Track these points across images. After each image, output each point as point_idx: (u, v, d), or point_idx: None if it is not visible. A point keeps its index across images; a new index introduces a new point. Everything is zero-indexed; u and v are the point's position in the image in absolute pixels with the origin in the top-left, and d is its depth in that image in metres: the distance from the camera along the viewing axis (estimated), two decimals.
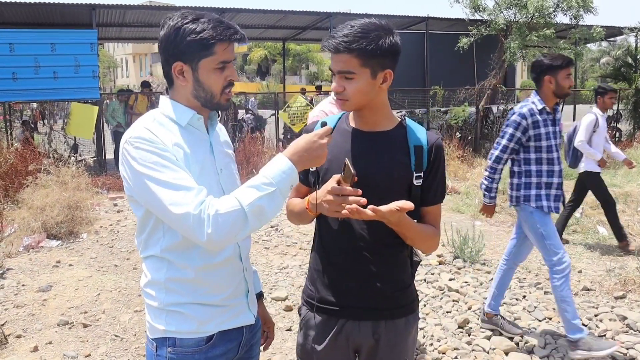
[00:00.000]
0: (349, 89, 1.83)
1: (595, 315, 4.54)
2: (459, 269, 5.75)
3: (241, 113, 15.95)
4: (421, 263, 2.13)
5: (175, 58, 1.73)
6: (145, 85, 18.39)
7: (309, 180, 2.03)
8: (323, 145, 1.71)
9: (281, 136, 15.12)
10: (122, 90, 19.40)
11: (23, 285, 5.43)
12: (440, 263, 5.90)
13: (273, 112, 15.88)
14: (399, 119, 1.99)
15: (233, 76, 1.79)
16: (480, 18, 14.59)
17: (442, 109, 15.25)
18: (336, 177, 1.77)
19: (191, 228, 1.57)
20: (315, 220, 2.05)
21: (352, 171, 1.70)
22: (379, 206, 1.70)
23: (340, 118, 2.05)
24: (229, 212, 1.57)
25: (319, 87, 18.23)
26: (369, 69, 1.81)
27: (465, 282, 5.36)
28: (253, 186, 1.62)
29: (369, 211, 1.68)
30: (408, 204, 1.70)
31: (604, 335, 4.19)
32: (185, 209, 1.57)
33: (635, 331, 4.24)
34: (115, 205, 8.92)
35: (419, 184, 1.91)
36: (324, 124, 1.81)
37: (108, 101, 16.29)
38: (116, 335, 4.43)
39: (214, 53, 1.71)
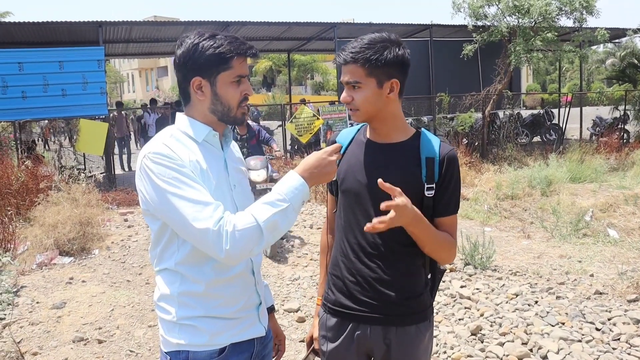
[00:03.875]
0: (357, 99, 1.93)
1: (609, 319, 4.53)
2: (470, 275, 5.75)
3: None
4: None
5: (194, 73, 1.79)
6: (153, 102, 18.64)
7: (331, 189, 2.20)
8: (332, 162, 1.79)
9: (288, 147, 15.19)
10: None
11: (37, 302, 5.47)
12: (451, 270, 5.90)
13: (280, 123, 15.95)
14: (414, 130, 2.05)
15: (248, 90, 1.85)
16: (483, 24, 14.63)
17: (448, 116, 15.29)
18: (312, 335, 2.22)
19: (210, 243, 1.63)
20: (336, 221, 2.15)
21: None
22: (390, 216, 1.77)
23: (359, 130, 2.14)
24: (246, 228, 1.63)
25: (302, 101, 18.33)
26: (374, 79, 1.90)
27: (477, 289, 5.36)
28: (268, 202, 1.69)
29: (390, 215, 1.76)
30: (379, 180, 1.78)
31: (618, 339, 4.18)
32: (205, 224, 1.62)
33: None
34: (125, 220, 8.98)
35: (431, 195, 1.95)
36: (333, 142, 1.88)
37: None
38: (131, 351, 4.46)
39: (231, 67, 1.78)
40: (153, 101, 19.11)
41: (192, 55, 1.78)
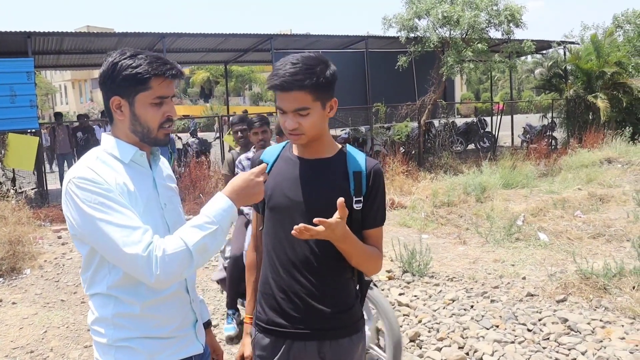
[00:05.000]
0: (304, 125, 1.90)
1: (539, 320, 4.71)
2: (408, 283, 5.87)
3: (185, 137, 15.83)
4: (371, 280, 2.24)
5: (113, 93, 1.77)
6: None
7: (257, 206, 2.16)
8: (259, 182, 1.80)
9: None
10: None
11: None
12: (390, 278, 6.00)
13: (217, 134, 15.82)
14: (340, 146, 2.08)
15: (171, 112, 1.82)
16: (416, 36, 15.02)
17: (385, 125, 15.55)
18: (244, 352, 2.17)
19: (140, 269, 1.62)
20: (263, 238, 2.13)
21: None
22: (318, 230, 1.78)
23: (284, 147, 2.14)
24: (175, 252, 1.63)
25: (244, 112, 18.22)
26: (319, 102, 1.91)
27: (415, 295, 5.47)
28: (196, 226, 1.68)
29: (319, 228, 1.77)
30: (340, 199, 1.79)
31: (548, 339, 4.36)
32: (134, 249, 1.61)
33: (575, 332, 4.43)
34: (59, 237, 8.68)
35: (359, 208, 1.99)
36: (259, 162, 1.88)
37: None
38: None
39: (149, 88, 1.76)
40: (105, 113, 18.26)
41: (110, 74, 1.76)
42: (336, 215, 1.79)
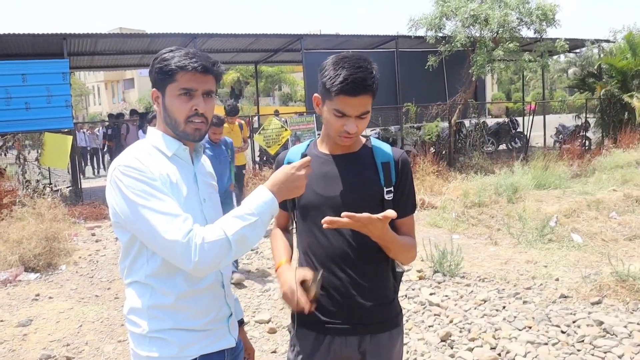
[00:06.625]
0: (361, 127, 1.94)
1: (573, 322, 4.63)
2: (439, 283, 5.83)
3: None
4: (402, 279, 2.22)
5: (152, 85, 1.86)
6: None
7: (286, 205, 2.12)
8: (301, 176, 1.81)
9: (257, 159, 15.16)
10: None
11: (2, 320, 5.35)
12: (421, 278, 5.97)
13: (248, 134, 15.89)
14: (364, 139, 2.11)
15: (198, 106, 1.82)
16: (444, 35, 14.90)
17: (415, 125, 15.47)
18: (304, 276, 1.91)
19: (179, 255, 1.65)
20: (297, 239, 2.14)
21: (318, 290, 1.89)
22: (345, 221, 1.78)
23: (308, 145, 2.15)
24: (214, 240, 1.66)
25: (276, 112, 18.26)
26: (372, 101, 1.93)
27: (446, 295, 5.43)
28: (237, 216, 1.71)
29: (344, 219, 1.76)
30: (392, 213, 1.78)
31: (582, 341, 4.28)
32: (174, 236, 1.64)
33: (612, 335, 4.34)
34: (93, 235, 8.85)
35: (390, 198, 2.00)
36: (304, 155, 1.89)
37: None
38: None
39: (175, 80, 1.80)
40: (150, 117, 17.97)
41: (151, 69, 1.85)
42: (378, 215, 1.78)
